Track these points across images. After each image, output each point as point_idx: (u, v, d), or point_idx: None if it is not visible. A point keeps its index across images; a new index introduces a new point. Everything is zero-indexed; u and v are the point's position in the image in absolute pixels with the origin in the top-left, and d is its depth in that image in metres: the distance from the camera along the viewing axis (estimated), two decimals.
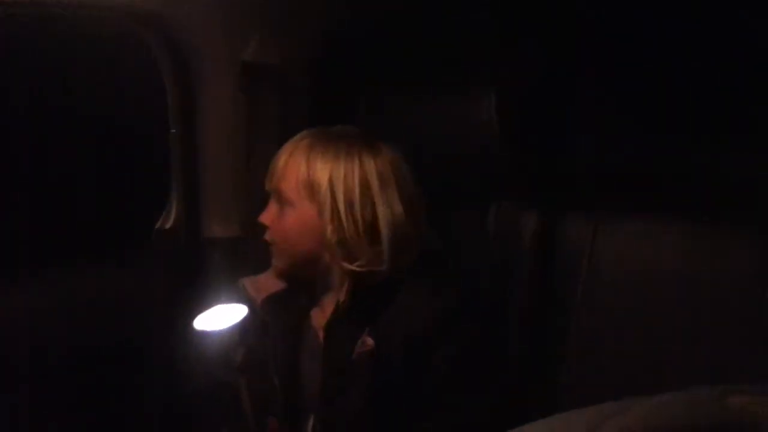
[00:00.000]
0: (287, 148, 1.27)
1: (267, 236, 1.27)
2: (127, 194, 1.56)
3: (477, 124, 1.37)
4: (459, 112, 1.41)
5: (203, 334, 1.10)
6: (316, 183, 1.23)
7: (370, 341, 1.21)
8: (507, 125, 1.35)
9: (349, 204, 1.21)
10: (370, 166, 1.23)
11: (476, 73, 1.45)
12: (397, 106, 1.50)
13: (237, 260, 1.54)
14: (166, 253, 1.53)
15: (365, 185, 1.22)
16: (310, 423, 1.26)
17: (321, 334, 1.29)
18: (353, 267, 1.22)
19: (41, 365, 1.34)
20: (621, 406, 0.74)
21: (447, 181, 1.41)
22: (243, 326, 1.12)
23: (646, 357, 1.24)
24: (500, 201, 1.44)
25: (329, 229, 1.22)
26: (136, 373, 1.34)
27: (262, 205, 1.33)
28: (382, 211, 1.22)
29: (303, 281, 1.32)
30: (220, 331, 1.09)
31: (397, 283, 1.24)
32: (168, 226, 1.57)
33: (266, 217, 1.28)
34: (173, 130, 1.50)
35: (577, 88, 1.48)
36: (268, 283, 1.34)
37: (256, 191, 1.49)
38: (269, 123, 1.55)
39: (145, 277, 1.48)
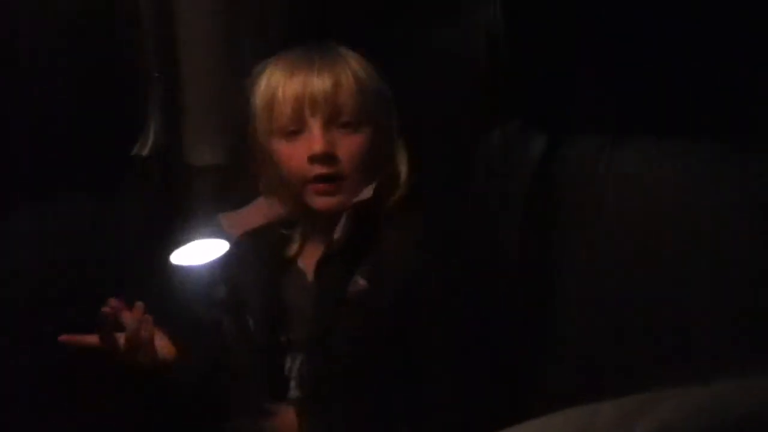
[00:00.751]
0: (311, 64, 1.19)
1: (325, 169, 1.18)
2: (99, 117, 1.43)
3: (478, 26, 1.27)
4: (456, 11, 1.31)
5: (181, 270, 1.02)
6: (370, 98, 1.19)
7: (362, 281, 1.16)
8: (514, 26, 1.25)
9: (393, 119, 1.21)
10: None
11: None
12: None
13: (222, 190, 1.44)
14: (143, 182, 1.44)
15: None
16: (297, 365, 1.20)
17: (310, 273, 1.23)
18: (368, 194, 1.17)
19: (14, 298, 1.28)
20: (650, 400, 0.67)
21: (441, 95, 1.32)
22: (224, 263, 1.04)
23: (657, 298, 1.14)
24: (507, 120, 1.33)
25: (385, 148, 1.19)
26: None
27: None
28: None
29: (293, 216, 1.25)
30: (199, 266, 1.02)
31: (387, 220, 1.19)
32: (145, 152, 1.47)
33: (328, 146, 1.17)
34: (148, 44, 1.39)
35: None
36: (249, 217, 1.27)
37: (245, 111, 1.39)
38: (252, 31, 1.43)
39: (120, 209, 1.40)
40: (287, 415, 1.15)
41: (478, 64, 1.32)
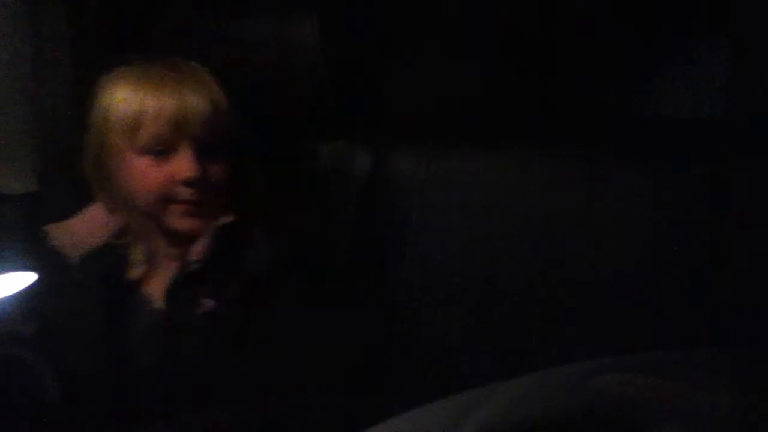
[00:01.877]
0: (178, 86, 1.14)
1: (195, 194, 1.13)
2: None
3: (299, 50, 1.27)
4: (278, 35, 1.29)
5: None
6: (233, 120, 1.16)
7: (209, 303, 1.12)
8: (333, 52, 1.26)
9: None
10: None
11: None
12: (201, 28, 1.35)
13: (32, 220, 1.31)
14: None
15: None
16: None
17: (158, 299, 1.16)
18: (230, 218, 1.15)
19: None
20: (475, 398, 0.70)
21: (267, 116, 1.30)
22: (31, 294, 0.97)
23: (482, 300, 1.20)
24: (333, 139, 1.35)
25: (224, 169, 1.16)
26: None
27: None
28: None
29: (140, 235, 1.18)
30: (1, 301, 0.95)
31: (240, 238, 1.16)
32: None
33: (196, 169, 1.13)
34: None
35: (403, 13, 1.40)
36: (85, 235, 1.18)
37: (54, 135, 1.36)
38: (58, 46, 1.35)
39: None
40: None
41: (302, 86, 1.32)
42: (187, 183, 1.13)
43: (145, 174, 1.14)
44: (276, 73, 1.32)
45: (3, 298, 0.96)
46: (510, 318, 1.17)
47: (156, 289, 1.17)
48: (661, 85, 1.33)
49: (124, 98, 1.14)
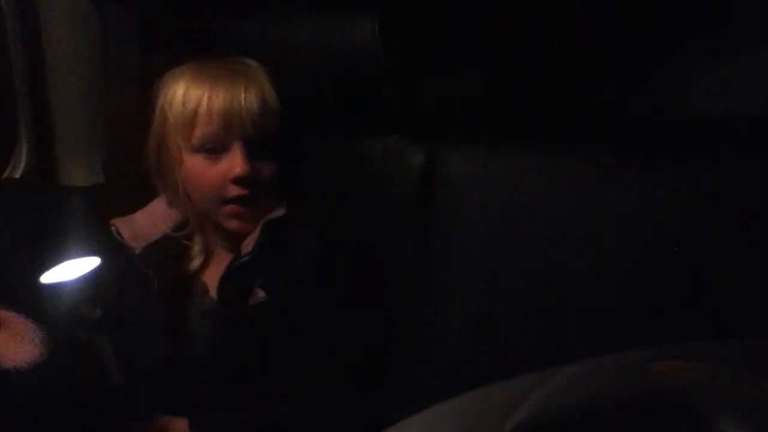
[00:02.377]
0: (231, 84, 1.15)
1: (245, 191, 1.15)
2: None
3: (357, 47, 1.28)
4: (335, 33, 1.31)
5: (50, 288, 0.99)
6: (284, 117, 1.17)
7: (261, 293, 1.15)
8: (390, 49, 1.27)
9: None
10: None
11: None
12: (258, 26, 1.38)
13: (100, 210, 1.37)
14: (15, 205, 1.37)
15: None
16: (197, 380, 1.17)
17: (213, 288, 1.19)
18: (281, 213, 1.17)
19: None
20: (536, 379, 0.70)
21: (327, 107, 1.32)
22: (98, 279, 1.01)
23: (541, 300, 1.20)
24: (387, 134, 1.35)
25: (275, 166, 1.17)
26: None
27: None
28: None
29: (197, 228, 1.22)
30: (68, 283, 0.99)
31: (289, 232, 1.18)
32: (17, 174, 1.40)
33: (246, 167, 1.15)
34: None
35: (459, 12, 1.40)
36: (147, 227, 1.22)
37: (120, 130, 1.40)
38: (127, 45, 1.39)
39: None
40: (180, 427, 1.12)
41: (358, 82, 1.33)
42: (238, 181, 1.15)
43: (198, 172, 1.17)
44: (332, 71, 1.33)
45: (72, 281, 0.99)
46: (564, 314, 1.17)
47: (211, 279, 1.21)
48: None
49: (180, 97, 1.17)
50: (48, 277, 1.01)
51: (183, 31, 1.40)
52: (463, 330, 1.23)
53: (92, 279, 1.01)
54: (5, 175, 1.40)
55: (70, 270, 1.02)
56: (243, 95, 1.15)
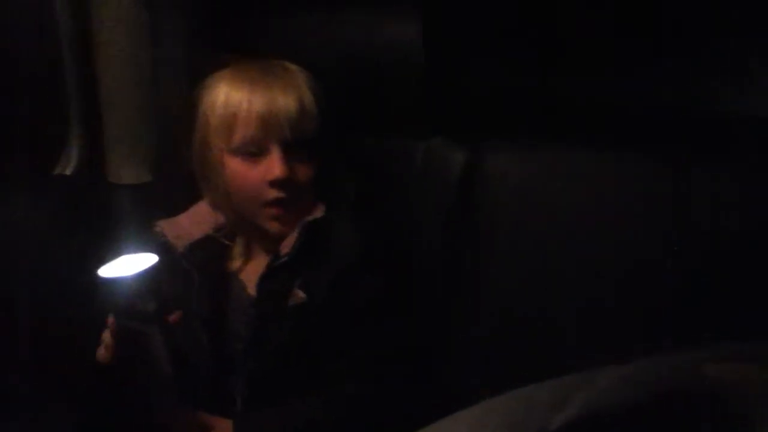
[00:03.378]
0: (270, 87, 1.17)
1: (283, 193, 1.17)
2: (21, 136, 1.40)
3: (402, 46, 1.30)
4: (378, 35, 1.33)
5: (107, 282, 1.02)
6: (324, 120, 1.18)
7: (301, 294, 1.16)
8: (433, 51, 1.28)
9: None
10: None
11: None
12: (310, 25, 1.40)
13: (147, 208, 1.42)
14: (66, 201, 1.41)
15: None
16: (238, 378, 1.20)
17: (252, 287, 1.22)
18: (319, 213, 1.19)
19: None
20: (585, 377, 0.70)
21: (367, 109, 1.34)
22: (152, 275, 1.04)
23: (583, 299, 1.20)
24: (429, 137, 1.36)
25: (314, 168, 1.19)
26: (38, 325, 1.24)
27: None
28: None
29: (238, 228, 1.25)
30: (125, 277, 1.02)
31: (328, 233, 1.20)
32: (68, 171, 1.44)
33: (285, 170, 1.16)
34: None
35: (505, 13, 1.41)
36: (190, 227, 1.25)
37: (167, 130, 1.43)
38: (175, 48, 1.42)
39: (43, 227, 1.36)
40: (224, 427, 1.15)
41: (400, 84, 1.35)
42: (276, 183, 1.17)
43: (238, 173, 1.19)
44: (374, 72, 1.35)
45: (129, 276, 1.02)
46: (608, 316, 1.18)
47: (250, 278, 1.23)
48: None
49: (220, 100, 1.19)
50: (105, 271, 1.04)
51: (229, 33, 1.42)
52: (504, 329, 1.24)
53: (147, 274, 1.04)
54: (56, 171, 1.43)
55: (126, 265, 1.04)
56: (281, 98, 1.16)
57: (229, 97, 1.18)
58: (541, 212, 1.25)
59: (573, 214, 1.22)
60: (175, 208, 1.29)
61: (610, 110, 1.31)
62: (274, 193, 1.17)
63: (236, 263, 1.25)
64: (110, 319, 1.09)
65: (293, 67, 1.22)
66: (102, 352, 1.11)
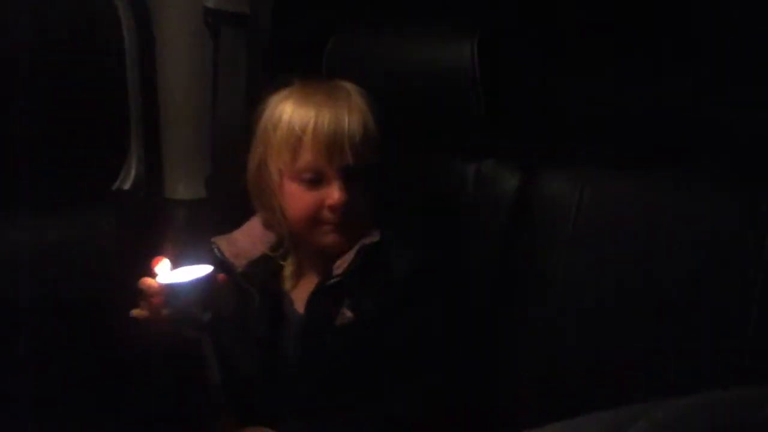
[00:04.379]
0: (335, 110, 1.16)
1: (341, 217, 1.17)
2: (81, 151, 1.43)
3: (457, 69, 1.30)
4: (436, 56, 1.33)
5: (166, 288, 1.04)
6: (380, 141, 1.18)
7: (349, 313, 1.17)
8: (488, 73, 1.29)
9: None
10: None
11: (458, 14, 1.37)
12: (369, 47, 1.40)
13: (200, 223, 1.46)
14: (125, 215, 1.42)
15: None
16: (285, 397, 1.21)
17: (301, 304, 1.22)
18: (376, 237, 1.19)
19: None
20: (643, 409, 0.68)
21: (421, 131, 1.33)
22: (208, 286, 1.06)
23: (635, 326, 1.18)
24: (481, 159, 1.36)
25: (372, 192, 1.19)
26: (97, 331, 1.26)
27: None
28: None
29: (291, 248, 1.25)
30: (183, 284, 1.04)
31: (375, 247, 1.19)
32: (127, 186, 1.48)
33: (344, 196, 1.16)
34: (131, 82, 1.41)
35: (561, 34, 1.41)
36: (247, 246, 1.25)
37: (223, 148, 1.45)
38: (235, 72, 1.44)
39: (102, 236, 1.37)
40: None
41: (455, 107, 1.35)
42: (335, 209, 1.16)
43: (298, 197, 1.18)
44: (429, 95, 1.35)
45: (187, 282, 1.04)
46: (669, 344, 1.16)
47: (301, 298, 1.23)
48: None
49: (284, 120, 1.18)
50: (163, 278, 1.06)
51: (289, 53, 1.44)
52: (558, 357, 1.23)
53: (204, 283, 1.06)
54: (116, 186, 1.46)
55: (184, 274, 1.06)
56: (347, 120, 1.15)
57: (294, 116, 1.17)
58: (595, 236, 1.24)
59: (629, 239, 1.20)
60: (227, 225, 1.30)
61: (664, 131, 1.30)
62: (331, 217, 1.17)
63: (289, 282, 1.26)
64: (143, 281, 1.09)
65: (353, 88, 1.22)
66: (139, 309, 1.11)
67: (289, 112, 1.18)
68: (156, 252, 1.19)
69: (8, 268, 1.23)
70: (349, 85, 1.22)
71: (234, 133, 1.41)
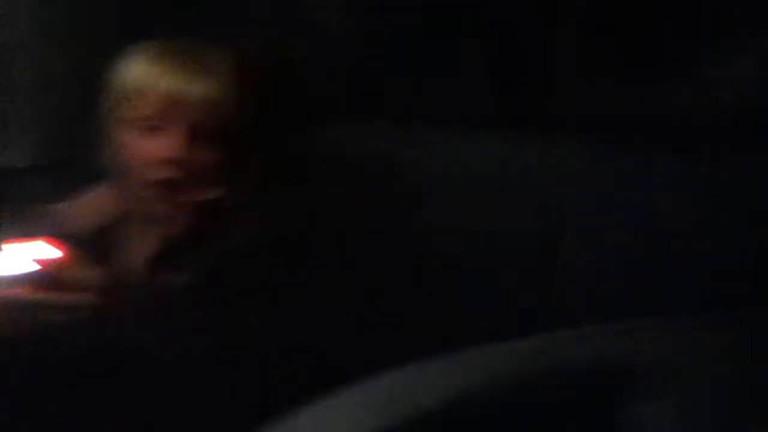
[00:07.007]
0: (185, 60, 1.15)
1: (175, 174, 1.13)
2: None
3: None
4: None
5: None
6: (235, 106, 1.15)
7: (188, 274, 1.14)
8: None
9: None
10: None
11: None
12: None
13: (30, 195, 1.33)
14: None
15: None
16: None
17: (142, 269, 1.19)
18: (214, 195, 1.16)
19: None
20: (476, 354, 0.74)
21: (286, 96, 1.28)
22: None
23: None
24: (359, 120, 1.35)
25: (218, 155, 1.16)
26: None
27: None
28: None
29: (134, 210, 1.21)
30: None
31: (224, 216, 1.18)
32: None
33: (178, 151, 1.13)
34: None
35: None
36: (87, 214, 1.22)
37: (58, 108, 1.37)
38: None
39: None
40: None
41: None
42: (167, 162, 1.14)
43: (133, 147, 1.16)
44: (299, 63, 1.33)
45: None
46: None
47: (140, 261, 1.21)
48: None
49: (132, 73, 1.17)
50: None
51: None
52: None
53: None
54: None
55: (15, 253, 0.99)
56: (194, 79, 1.14)
57: (137, 69, 1.16)
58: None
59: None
60: (59, 193, 1.24)
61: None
62: (166, 173, 1.14)
63: (132, 246, 1.22)
64: None
65: (220, 50, 1.20)
66: None
67: (137, 67, 1.17)
68: None
69: None
70: (212, 45, 1.20)
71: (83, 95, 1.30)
